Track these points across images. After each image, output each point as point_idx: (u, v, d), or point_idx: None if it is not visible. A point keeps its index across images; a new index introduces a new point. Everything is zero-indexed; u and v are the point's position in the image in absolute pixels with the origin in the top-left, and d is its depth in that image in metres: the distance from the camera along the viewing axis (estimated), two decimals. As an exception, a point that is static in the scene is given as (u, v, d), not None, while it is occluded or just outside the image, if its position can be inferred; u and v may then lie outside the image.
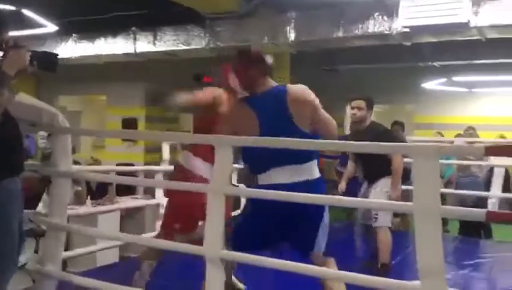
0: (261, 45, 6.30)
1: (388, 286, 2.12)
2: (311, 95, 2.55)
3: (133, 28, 6.94)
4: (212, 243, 2.31)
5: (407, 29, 5.36)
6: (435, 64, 8.22)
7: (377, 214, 3.72)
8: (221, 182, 2.38)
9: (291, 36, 5.97)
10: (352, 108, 3.92)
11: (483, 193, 5.57)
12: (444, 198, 6.53)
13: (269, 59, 2.62)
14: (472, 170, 6.43)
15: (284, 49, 6.72)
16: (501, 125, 8.91)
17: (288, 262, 2.16)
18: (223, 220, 2.35)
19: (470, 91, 9.44)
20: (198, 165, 2.98)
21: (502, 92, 9.20)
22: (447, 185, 7.00)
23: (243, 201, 4.17)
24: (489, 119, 9.00)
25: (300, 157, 2.47)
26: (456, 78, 9.01)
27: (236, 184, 5.28)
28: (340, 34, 5.77)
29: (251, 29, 6.23)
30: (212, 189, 2.41)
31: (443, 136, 7.45)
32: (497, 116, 9.18)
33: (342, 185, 4.27)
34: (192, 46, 6.54)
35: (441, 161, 5.84)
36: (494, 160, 5.31)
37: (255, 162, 2.57)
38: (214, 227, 2.34)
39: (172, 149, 4.81)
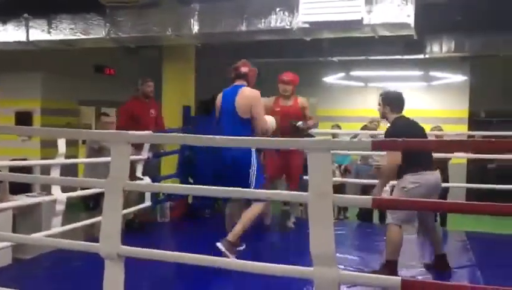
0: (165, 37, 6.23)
1: (284, 272, 2.21)
2: (256, 97, 3.89)
3: (25, 15, 6.47)
4: (109, 238, 2.25)
5: (306, 25, 5.54)
6: (334, 59, 8.60)
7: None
8: (118, 178, 2.33)
9: (195, 28, 5.91)
10: None
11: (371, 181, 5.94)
12: (344, 185, 6.92)
13: (244, 68, 4.07)
14: (369, 159, 6.88)
15: (188, 41, 6.66)
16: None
17: (186, 254, 2.17)
18: (120, 216, 2.30)
19: (366, 85, 10.04)
20: None
21: (394, 87, 9.85)
22: (344, 173, 7.43)
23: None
24: (383, 112, 9.62)
25: (239, 134, 3.58)
26: (353, 73, 9.53)
27: (142, 177, 5.18)
28: (244, 27, 5.82)
29: (154, 20, 6.08)
30: (109, 184, 2.35)
31: (340, 128, 7.84)
32: (390, 109, 9.85)
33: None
34: (91, 36, 6.23)
35: (338, 151, 6.05)
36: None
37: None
38: (110, 223, 2.28)
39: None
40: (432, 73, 9.40)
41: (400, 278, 2.02)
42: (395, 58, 8.22)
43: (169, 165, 6.67)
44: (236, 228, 3.75)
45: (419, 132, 3.84)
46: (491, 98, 9.64)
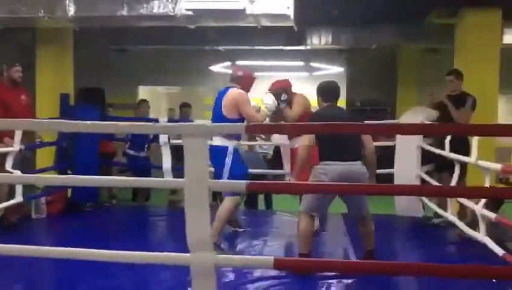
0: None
1: (161, 259, 2.18)
2: (240, 97, 4.20)
3: None
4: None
5: (190, 12, 5.48)
6: (219, 48, 8.63)
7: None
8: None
9: (71, 11, 5.54)
10: None
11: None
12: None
13: (237, 72, 4.51)
14: (256, 147, 7.09)
15: (63, 25, 6.24)
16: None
17: (51, 248, 2.04)
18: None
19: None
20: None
21: (279, 76, 10.17)
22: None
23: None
24: (268, 101, 9.91)
25: None
26: (239, 62, 9.65)
27: (12, 171, 4.79)
28: (125, 12, 5.59)
29: (24, 0, 5.60)
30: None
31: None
32: (275, 98, 10.18)
33: None
34: (-51, 17, 5.58)
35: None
36: (277, 139, 5.90)
37: None
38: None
39: None
40: (313, 64, 9.87)
41: (272, 257, 2.10)
42: (278, 49, 8.47)
43: (45, 158, 6.26)
44: (214, 226, 3.71)
45: (337, 119, 3.55)
46: (365, 88, 10.41)
